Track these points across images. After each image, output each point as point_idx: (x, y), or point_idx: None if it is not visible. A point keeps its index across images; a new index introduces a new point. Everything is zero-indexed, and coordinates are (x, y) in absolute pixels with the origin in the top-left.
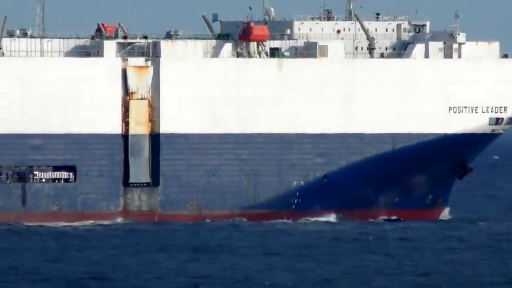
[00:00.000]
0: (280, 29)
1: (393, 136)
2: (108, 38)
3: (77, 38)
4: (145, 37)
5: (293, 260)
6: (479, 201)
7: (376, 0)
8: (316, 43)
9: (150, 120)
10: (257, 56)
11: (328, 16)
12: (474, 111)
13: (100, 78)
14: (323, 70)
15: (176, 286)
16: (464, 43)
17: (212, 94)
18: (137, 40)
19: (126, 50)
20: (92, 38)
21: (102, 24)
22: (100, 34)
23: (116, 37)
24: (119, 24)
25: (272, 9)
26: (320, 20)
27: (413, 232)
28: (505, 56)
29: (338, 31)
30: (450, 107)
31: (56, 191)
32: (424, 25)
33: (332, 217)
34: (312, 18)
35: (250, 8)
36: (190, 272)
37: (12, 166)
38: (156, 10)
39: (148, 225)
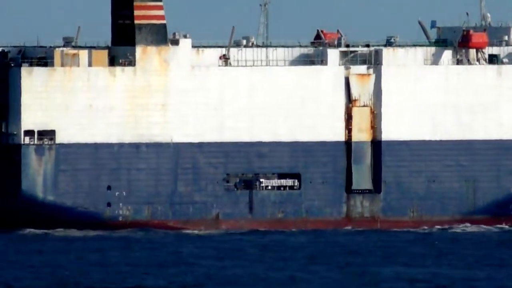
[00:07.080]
0: (498, 35)
1: None
2: (330, 46)
3: (300, 46)
4: (367, 45)
5: None
6: None
7: None
8: None
9: (372, 127)
10: (477, 63)
11: None
12: None
13: (324, 86)
14: None
15: None
16: None
17: (432, 100)
18: (359, 48)
19: (349, 58)
20: (313, 44)
21: (322, 31)
22: (319, 41)
23: (339, 45)
24: (338, 31)
25: (488, 15)
26: None
27: None
28: None
29: None
30: None
31: (281, 198)
32: None
33: None
34: None
35: (467, 14)
36: None
37: (239, 174)
38: (372, 15)
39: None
